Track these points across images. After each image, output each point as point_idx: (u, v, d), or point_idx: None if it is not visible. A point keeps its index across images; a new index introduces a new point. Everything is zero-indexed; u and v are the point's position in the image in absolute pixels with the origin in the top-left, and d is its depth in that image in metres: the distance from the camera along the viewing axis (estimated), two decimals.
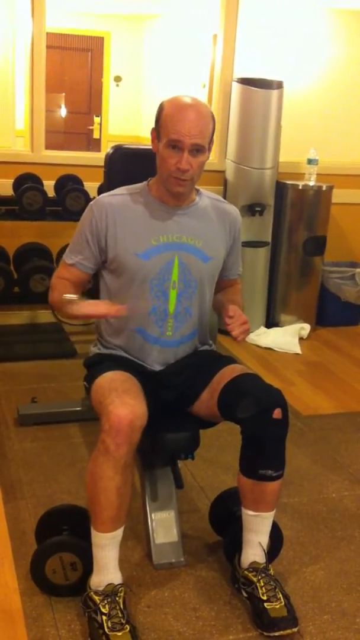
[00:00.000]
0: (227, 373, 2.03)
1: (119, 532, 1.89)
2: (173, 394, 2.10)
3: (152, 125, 2.00)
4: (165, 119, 1.94)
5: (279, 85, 4.14)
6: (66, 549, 1.96)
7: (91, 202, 2.10)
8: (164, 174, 1.98)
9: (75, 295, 2.01)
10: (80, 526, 1.98)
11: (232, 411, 1.95)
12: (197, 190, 2.13)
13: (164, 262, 2.03)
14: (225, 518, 2.23)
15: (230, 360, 2.15)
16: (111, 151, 2.38)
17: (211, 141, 1.99)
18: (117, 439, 1.78)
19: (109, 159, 2.36)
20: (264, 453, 1.93)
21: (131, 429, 1.79)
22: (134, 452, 1.85)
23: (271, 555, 2.06)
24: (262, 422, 1.89)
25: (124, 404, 1.81)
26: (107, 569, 1.89)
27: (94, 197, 3.80)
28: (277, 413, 1.89)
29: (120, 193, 2.10)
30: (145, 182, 2.11)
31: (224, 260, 2.18)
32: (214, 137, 2.04)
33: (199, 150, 1.93)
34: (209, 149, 1.99)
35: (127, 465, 1.83)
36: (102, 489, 1.82)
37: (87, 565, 1.93)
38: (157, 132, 1.99)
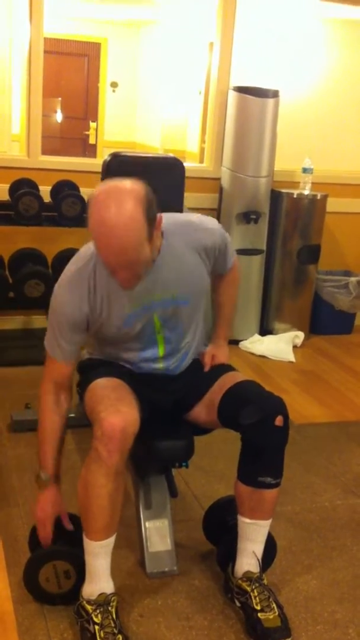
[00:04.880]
0: (228, 380, 2.03)
1: (111, 540, 1.88)
2: (170, 400, 2.10)
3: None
4: (91, 231, 1.69)
5: (275, 94, 4.16)
6: (60, 557, 1.96)
7: (56, 297, 1.91)
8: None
9: (47, 476, 1.99)
10: (74, 533, 1.98)
11: (234, 418, 1.95)
12: (162, 233, 1.87)
13: (144, 322, 1.97)
14: (219, 527, 2.22)
15: (229, 367, 2.15)
16: (109, 158, 2.38)
17: (150, 233, 1.72)
18: (109, 446, 1.78)
19: (107, 166, 2.36)
20: (263, 460, 1.93)
21: (123, 437, 1.79)
22: (126, 459, 1.85)
23: (265, 564, 2.05)
24: (264, 429, 1.89)
25: (116, 411, 1.81)
26: (100, 578, 1.88)
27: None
28: (279, 420, 1.90)
29: (82, 276, 1.87)
30: (93, 251, 1.84)
31: (211, 269, 2.07)
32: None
33: (130, 266, 1.74)
34: (150, 239, 1.73)
35: (119, 473, 1.83)
36: (95, 496, 1.82)
37: (80, 573, 1.92)
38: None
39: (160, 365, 2.07)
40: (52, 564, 1.95)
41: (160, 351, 2.05)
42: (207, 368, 2.13)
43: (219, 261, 2.12)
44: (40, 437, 2.01)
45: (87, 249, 1.91)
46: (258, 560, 1.99)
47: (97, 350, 2.15)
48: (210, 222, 2.06)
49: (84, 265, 1.89)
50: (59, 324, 1.94)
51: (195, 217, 2.06)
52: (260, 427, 1.89)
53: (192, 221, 2.02)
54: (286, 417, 1.93)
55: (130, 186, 1.70)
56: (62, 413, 2.02)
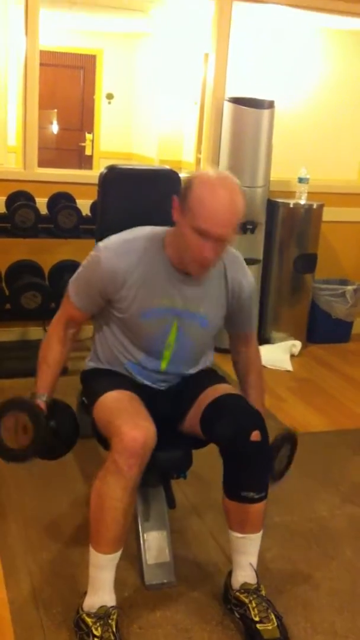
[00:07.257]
0: (211, 393, 2.03)
1: (118, 554, 1.88)
2: (166, 409, 2.10)
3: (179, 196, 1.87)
4: (194, 202, 1.81)
5: (270, 104, 4.18)
6: (22, 410, 1.93)
7: (99, 254, 1.96)
8: (186, 257, 1.89)
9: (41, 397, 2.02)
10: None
11: (212, 432, 1.95)
12: None
13: (162, 326, 2.00)
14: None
15: (219, 379, 2.15)
16: (105, 171, 2.38)
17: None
18: (130, 460, 1.78)
19: (103, 178, 2.36)
20: (244, 475, 1.93)
21: (144, 451, 1.80)
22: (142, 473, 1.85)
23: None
24: (240, 444, 1.89)
25: (137, 425, 1.82)
26: (103, 591, 1.88)
27: (87, 215, 3.85)
28: (255, 435, 1.89)
29: (131, 248, 1.95)
30: (161, 235, 1.98)
31: (226, 317, 2.12)
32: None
33: (225, 240, 1.86)
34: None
35: (135, 487, 1.83)
36: (111, 508, 1.81)
37: (38, 430, 1.89)
38: (182, 207, 1.84)
39: (160, 378, 2.09)
40: (15, 415, 1.92)
41: (163, 365, 2.07)
42: None
43: (241, 317, 2.14)
44: (42, 363, 2.05)
45: (139, 231, 2.00)
46: (255, 571, 1.99)
47: (100, 352, 2.15)
48: (248, 270, 2.13)
49: (134, 240, 1.98)
50: (89, 277, 2.00)
51: (240, 255, 2.13)
52: (236, 441, 1.89)
53: (239, 257, 2.12)
54: (264, 432, 1.91)
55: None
56: (67, 346, 2.09)
